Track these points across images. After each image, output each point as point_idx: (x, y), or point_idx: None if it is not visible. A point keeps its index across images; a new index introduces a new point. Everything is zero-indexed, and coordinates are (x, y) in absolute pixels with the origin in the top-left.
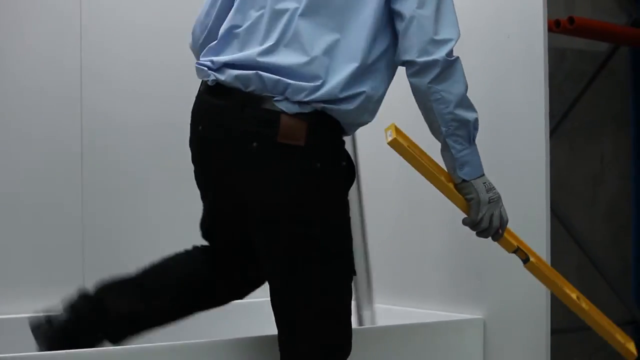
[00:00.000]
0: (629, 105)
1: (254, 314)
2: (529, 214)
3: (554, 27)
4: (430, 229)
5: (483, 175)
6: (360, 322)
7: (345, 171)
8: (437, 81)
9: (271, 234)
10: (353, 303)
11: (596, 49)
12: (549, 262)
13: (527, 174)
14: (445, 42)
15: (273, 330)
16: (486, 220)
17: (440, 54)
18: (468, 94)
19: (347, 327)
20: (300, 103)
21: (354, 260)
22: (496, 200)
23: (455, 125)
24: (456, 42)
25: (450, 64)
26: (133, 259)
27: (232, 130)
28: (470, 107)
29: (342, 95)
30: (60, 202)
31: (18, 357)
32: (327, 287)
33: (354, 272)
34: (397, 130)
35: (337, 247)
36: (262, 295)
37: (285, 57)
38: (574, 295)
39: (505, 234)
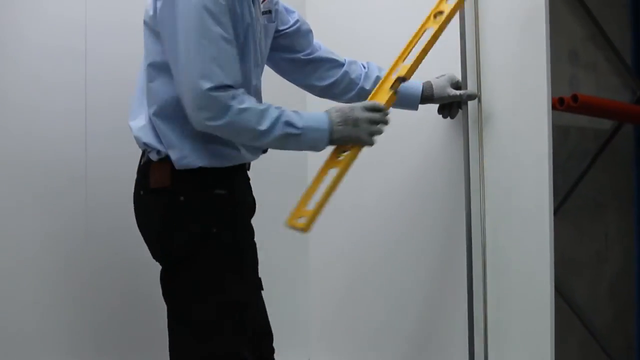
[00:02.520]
0: (633, 184)
1: None
2: (533, 292)
3: (558, 104)
4: (438, 286)
5: (327, 128)
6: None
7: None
8: None
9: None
10: None
11: (600, 127)
12: (552, 341)
13: (531, 251)
14: None
15: None
16: (363, 133)
17: None
18: None
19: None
20: None
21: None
22: (344, 126)
23: (275, 145)
24: None
25: None
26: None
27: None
28: (254, 136)
29: None
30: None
31: None
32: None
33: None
34: (298, 215)
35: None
36: None
37: None
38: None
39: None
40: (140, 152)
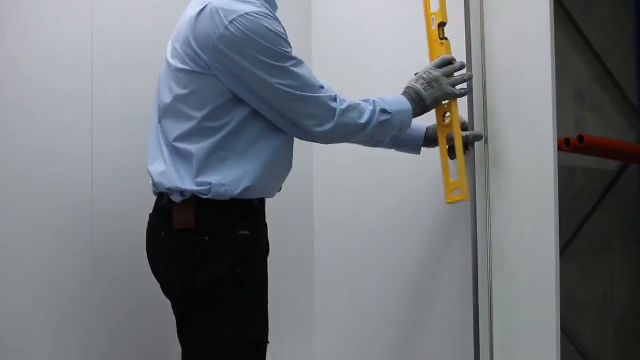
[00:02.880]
0: (639, 224)
1: None
2: (540, 332)
3: (564, 145)
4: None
5: (410, 108)
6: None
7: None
8: None
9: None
10: None
11: (606, 167)
12: None
13: (537, 292)
14: None
15: None
16: (448, 88)
17: None
18: None
19: None
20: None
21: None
22: (430, 89)
23: (370, 134)
24: None
25: None
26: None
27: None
28: (356, 131)
29: None
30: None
31: None
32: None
33: (255, 337)
34: (451, 190)
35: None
36: None
37: None
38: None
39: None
40: (148, 191)
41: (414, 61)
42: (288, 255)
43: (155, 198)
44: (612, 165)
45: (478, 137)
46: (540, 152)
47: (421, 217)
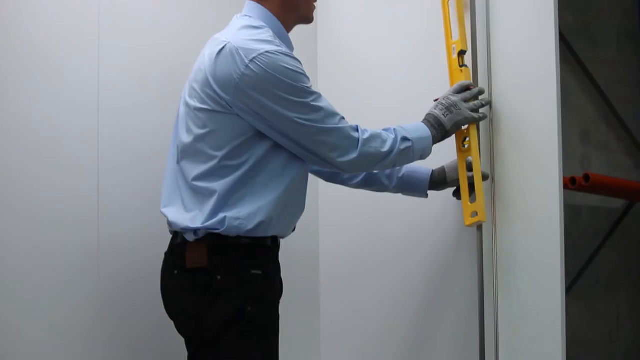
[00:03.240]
0: None
1: None
2: None
3: (570, 184)
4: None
5: (430, 134)
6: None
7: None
8: None
9: None
10: None
11: (611, 206)
12: None
13: (543, 330)
14: None
15: None
16: (466, 112)
17: None
18: None
19: None
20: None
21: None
22: (450, 114)
23: (392, 163)
24: None
25: None
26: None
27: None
28: (379, 160)
29: None
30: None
31: None
32: None
33: None
34: (469, 213)
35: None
36: None
37: None
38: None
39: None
40: (153, 231)
41: (420, 93)
42: (293, 288)
43: (169, 237)
44: (618, 203)
45: (484, 177)
46: (546, 191)
47: (426, 251)
